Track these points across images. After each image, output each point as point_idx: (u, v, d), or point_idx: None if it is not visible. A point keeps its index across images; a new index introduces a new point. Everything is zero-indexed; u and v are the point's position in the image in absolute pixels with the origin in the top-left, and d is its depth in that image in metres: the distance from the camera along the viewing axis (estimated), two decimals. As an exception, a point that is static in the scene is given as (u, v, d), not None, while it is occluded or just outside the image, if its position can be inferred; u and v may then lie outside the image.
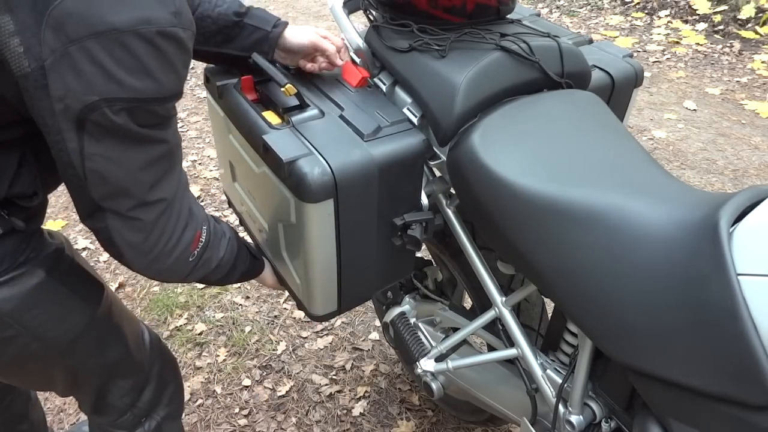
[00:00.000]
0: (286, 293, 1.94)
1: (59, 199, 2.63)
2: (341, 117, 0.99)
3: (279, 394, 1.71)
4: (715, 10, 4.31)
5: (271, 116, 0.99)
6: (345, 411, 1.66)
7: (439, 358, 1.27)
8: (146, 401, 1.09)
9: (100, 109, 0.66)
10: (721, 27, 4.23)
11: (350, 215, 0.95)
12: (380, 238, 1.03)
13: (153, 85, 0.68)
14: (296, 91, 0.97)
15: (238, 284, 2.10)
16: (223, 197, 2.61)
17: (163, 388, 1.12)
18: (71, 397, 1.67)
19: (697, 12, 4.37)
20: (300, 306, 1.13)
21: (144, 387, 1.08)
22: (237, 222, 1.42)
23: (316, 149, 0.90)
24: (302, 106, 1.00)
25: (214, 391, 1.72)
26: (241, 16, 1.01)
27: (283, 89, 0.96)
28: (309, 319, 1.95)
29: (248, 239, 1.22)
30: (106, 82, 0.65)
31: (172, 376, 1.16)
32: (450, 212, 1.11)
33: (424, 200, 1.08)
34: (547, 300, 1.26)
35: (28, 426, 1.28)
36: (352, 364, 1.80)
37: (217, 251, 0.95)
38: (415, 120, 1.06)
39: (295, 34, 1.06)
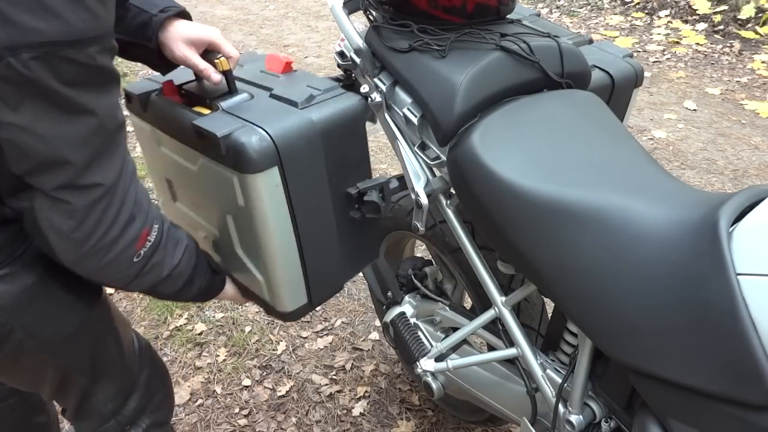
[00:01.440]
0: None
1: (59, 199, 2.62)
2: (272, 95, 0.95)
3: (279, 394, 1.71)
4: (715, 10, 4.31)
5: (200, 110, 0.95)
6: (345, 411, 1.66)
7: (439, 358, 1.27)
8: (132, 409, 1.05)
9: (4, 60, 0.56)
10: (721, 27, 4.24)
11: (300, 186, 0.89)
12: (337, 212, 0.98)
13: (57, 23, 0.58)
14: (229, 67, 0.92)
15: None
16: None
17: (150, 396, 1.08)
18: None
19: (697, 12, 4.38)
20: (268, 309, 1.04)
21: (130, 394, 1.05)
22: None
23: (250, 122, 0.86)
24: (231, 92, 0.95)
25: (214, 391, 1.72)
26: None
27: (216, 61, 0.91)
28: (309, 320, 1.95)
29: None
30: (1, 26, 0.55)
31: (160, 384, 1.12)
32: (450, 212, 1.11)
33: (424, 200, 1.09)
34: (547, 300, 1.26)
35: (45, 418, 1.26)
36: (352, 364, 1.80)
37: (170, 257, 0.84)
38: (415, 120, 1.06)
39: (193, 25, 0.94)
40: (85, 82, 0.63)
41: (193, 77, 1.00)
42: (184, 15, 0.94)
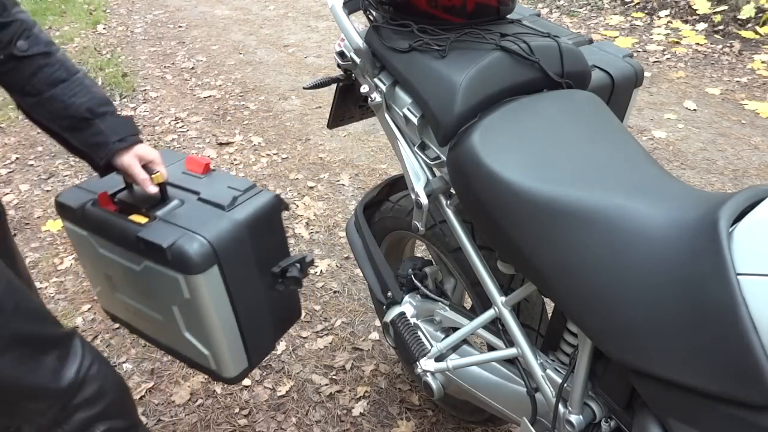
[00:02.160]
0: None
1: (59, 199, 2.63)
2: (200, 199, 1.10)
3: (279, 394, 1.71)
4: (715, 10, 4.31)
5: (138, 218, 1.08)
6: (345, 411, 1.66)
7: (439, 358, 1.27)
8: (79, 420, 1.02)
9: None
10: (721, 27, 4.24)
11: (235, 275, 1.06)
12: (265, 288, 1.15)
13: None
14: (163, 179, 1.07)
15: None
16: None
17: (100, 409, 1.05)
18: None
19: (697, 12, 4.38)
20: (214, 376, 1.19)
21: (72, 413, 1.01)
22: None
23: (188, 229, 1.02)
24: (164, 199, 1.10)
25: (214, 391, 1.72)
26: (94, 115, 1.00)
27: (154, 175, 1.07)
28: (309, 320, 1.96)
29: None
30: None
31: (110, 393, 1.07)
32: (450, 212, 1.11)
33: (424, 200, 1.09)
34: (547, 300, 1.26)
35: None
36: (352, 364, 1.80)
37: None
38: (415, 120, 1.06)
39: (141, 146, 1.07)
40: None
41: (123, 185, 1.14)
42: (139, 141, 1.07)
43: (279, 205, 1.13)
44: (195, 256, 0.98)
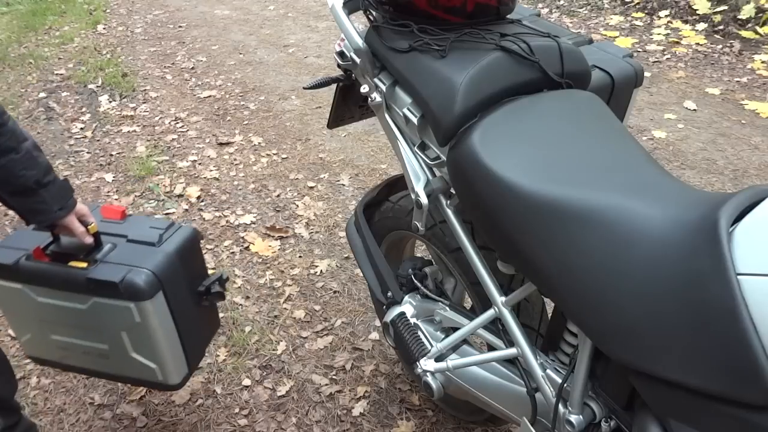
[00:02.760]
0: (284, 297, 1.93)
1: (59, 199, 2.63)
2: (129, 241, 1.30)
3: (279, 394, 1.70)
4: (715, 10, 4.31)
5: (78, 264, 1.24)
6: (345, 411, 1.66)
7: (439, 358, 1.26)
8: None
9: None
10: (721, 27, 4.24)
11: (175, 296, 1.28)
12: (195, 304, 1.38)
13: None
14: (96, 230, 1.24)
15: (239, 284, 2.10)
16: (224, 197, 2.61)
17: None
18: (72, 397, 1.66)
19: (697, 12, 4.38)
20: (159, 387, 1.39)
21: None
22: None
23: (131, 265, 1.22)
24: (98, 245, 1.27)
25: (214, 391, 1.72)
26: (40, 186, 1.08)
27: (89, 226, 1.22)
28: (309, 320, 1.96)
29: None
30: None
31: None
32: (450, 212, 1.11)
33: (424, 200, 1.09)
34: (547, 300, 1.26)
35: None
36: (352, 364, 1.80)
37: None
38: (415, 120, 1.06)
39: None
40: None
41: (49, 239, 1.28)
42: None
43: (197, 236, 1.38)
44: (144, 286, 1.20)
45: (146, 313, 1.22)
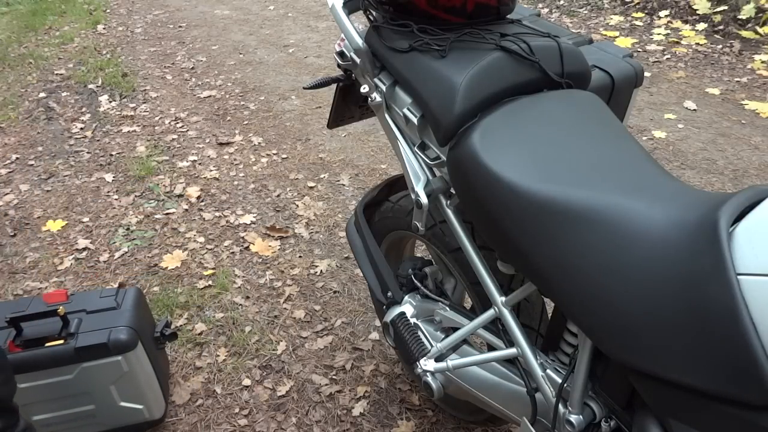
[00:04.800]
0: (284, 297, 1.93)
1: (59, 198, 2.63)
2: (89, 312, 1.48)
3: (279, 394, 1.70)
4: (715, 10, 4.31)
5: (55, 343, 1.39)
6: (345, 411, 1.66)
7: (439, 358, 1.26)
8: None
9: None
10: (721, 27, 4.24)
11: (147, 344, 1.50)
12: (158, 348, 1.59)
13: None
14: (65, 312, 1.42)
15: (239, 284, 2.10)
16: (224, 197, 2.61)
17: None
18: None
19: (697, 12, 4.38)
20: (147, 425, 1.57)
21: None
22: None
23: (109, 327, 1.42)
24: (66, 323, 1.43)
25: (214, 391, 1.72)
26: None
27: (57, 309, 1.40)
28: (309, 320, 1.96)
29: None
30: None
31: None
32: (450, 212, 1.11)
33: (424, 200, 1.08)
34: (547, 300, 1.26)
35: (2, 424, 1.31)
36: (352, 364, 1.80)
37: None
38: (415, 120, 1.06)
39: None
40: None
41: (12, 332, 1.41)
42: None
43: (142, 293, 1.60)
44: (128, 338, 1.42)
45: (132, 362, 1.44)
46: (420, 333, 1.35)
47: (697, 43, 4.13)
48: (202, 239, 2.36)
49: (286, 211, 2.53)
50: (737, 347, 0.62)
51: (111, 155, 2.98)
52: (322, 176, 2.77)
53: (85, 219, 2.50)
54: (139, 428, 1.57)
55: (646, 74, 3.70)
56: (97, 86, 3.74)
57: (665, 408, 0.73)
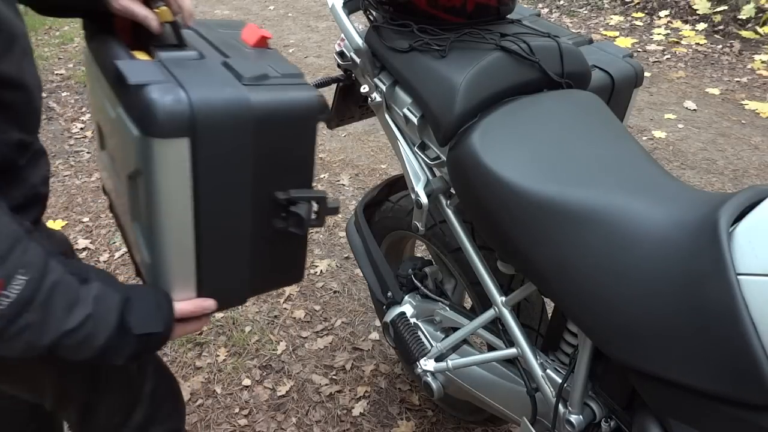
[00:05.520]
0: (284, 297, 1.91)
1: (59, 198, 2.63)
2: (224, 63, 0.81)
3: (279, 394, 1.71)
4: (715, 10, 4.31)
5: (140, 54, 0.82)
6: (345, 411, 1.66)
7: (439, 358, 1.27)
8: (138, 421, 1.00)
9: None
10: (721, 27, 4.24)
11: (213, 169, 0.74)
12: (257, 214, 0.82)
13: None
14: (172, 18, 0.80)
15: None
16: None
17: (157, 407, 1.03)
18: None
19: (697, 12, 4.38)
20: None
21: (135, 406, 0.99)
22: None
23: (177, 80, 0.72)
24: (179, 45, 0.82)
25: (214, 391, 1.72)
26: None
27: (157, 10, 0.79)
28: (309, 320, 1.95)
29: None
30: None
31: (167, 394, 1.06)
32: (450, 212, 1.11)
33: (424, 200, 1.09)
34: (547, 300, 1.26)
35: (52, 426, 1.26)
36: (352, 364, 1.80)
37: (58, 319, 0.67)
38: (415, 120, 1.06)
39: None
40: None
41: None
42: None
43: (318, 109, 0.81)
44: (161, 110, 0.68)
45: (150, 160, 0.71)
46: (420, 333, 1.35)
47: (697, 43, 4.13)
48: (202, 239, 2.36)
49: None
50: (737, 347, 0.62)
51: (111, 155, 2.98)
52: (322, 176, 2.77)
53: (85, 219, 2.50)
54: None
55: (646, 74, 3.70)
56: (97, 86, 3.75)
57: (665, 408, 0.73)
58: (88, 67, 0.93)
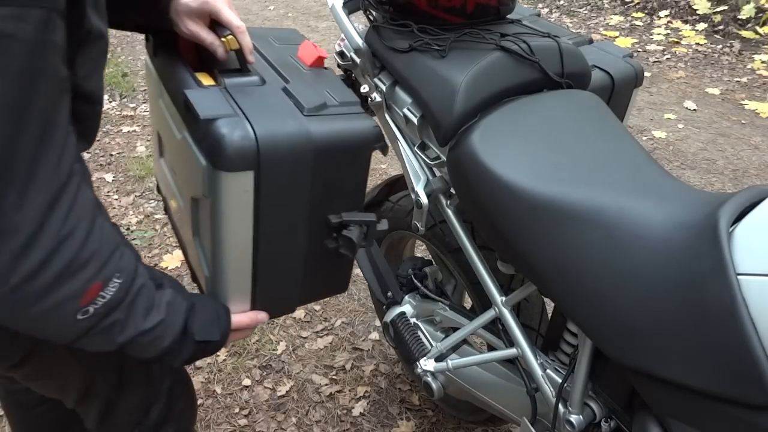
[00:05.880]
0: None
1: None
2: (284, 89, 0.85)
3: (279, 394, 1.70)
4: (715, 10, 4.31)
5: (204, 77, 0.86)
6: (345, 411, 1.66)
7: (439, 358, 1.27)
8: (154, 419, 1.01)
9: None
10: (721, 27, 4.24)
11: (274, 198, 0.80)
12: (311, 236, 0.88)
13: None
14: (238, 46, 0.84)
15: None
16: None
17: (172, 405, 1.04)
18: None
19: (697, 12, 4.38)
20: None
21: (152, 403, 1.00)
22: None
23: (243, 113, 0.76)
24: (242, 70, 0.86)
25: (214, 391, 1.72)
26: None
27: (224, 39, 0.83)
28: (309, 320, 1.95)
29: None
30: None
31: (182, 392, 1.07)
32: (450, 212, 1.11)
33: (424, 200, 1.09)
34: (547, 300, 1.26)
35: (79, 429, 1.27)
36: (352, 364, 1.80)
37: (137, 320, 0.72)
38: (415, 120, 1.06)
39: None
40: None
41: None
42: None
43: (374, 140, 0.85)
44: (229, 147, 0.73)
45: (217, 191, 0.77)
46: (420, 333, 1.35)
47: (697, 43, 4.13)
48: (202, 239, 2.36)
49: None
50: (737, 347, 0.62)
51: (111, 155, 2.98)
52: (322, 176, 2.77)
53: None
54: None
55: (646, 74, 3.70)
56: (97, 86, 3.74)
57: (665, 408, 0.73)
58: (150, 80, 0.99)
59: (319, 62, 0.96)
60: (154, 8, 0.83)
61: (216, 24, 0.85)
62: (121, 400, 0.97)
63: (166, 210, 1.12)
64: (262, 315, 0.91)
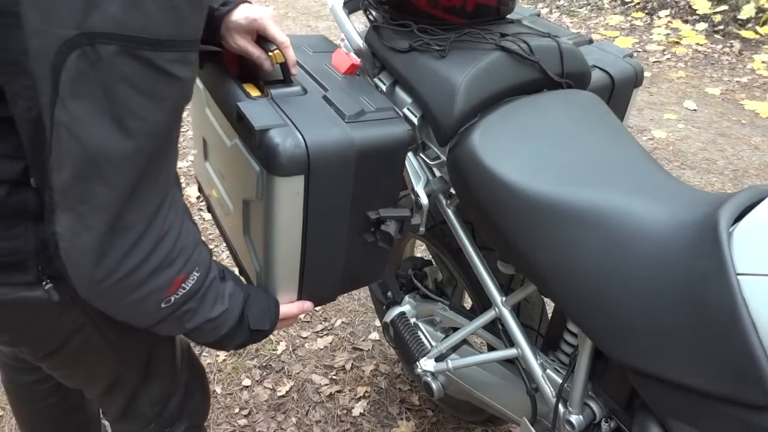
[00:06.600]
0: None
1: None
2: (324, 97, 0.93)
3: (279, 394, 1.70)
4: (715, 10, 4.31)
5: (250, 88, 0.94)
6: (345, 411, 1.66)
7: (439, 358, 1.27)
8: (172, 411, 1.03)
9: (78, 49, 0.52)
10: (721, 27, 4.24)
11: (321, 198, 0.89)
12: (351, 231, 0.97)
13: (141, 18, 0.54)
14: (283, 60, 0.91)
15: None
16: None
17: (189, 398, 1.06)
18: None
19: (697, 12, 4.38)
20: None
21: (172, 395, 1.02)
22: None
23: (292, 122, 0.85)
24: (285, 81, 0.94)
25: (214, 391, 1.72)
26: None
27: (270, 53, 0.90)
28: (309, 320, 1.95)
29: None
30: (86, 9, 0.51)
31: (198, 386, 1.09)
32: (450, 212, 1.12)
33: (424, 200, 1.09)
34: (547, 300, 1.27)
35: (84, 417, 1.27)
36: (352, 364, 1.80)
37: (206, 309, 0.79)
38: (415, 120, 1.06)
39: (243, 11, 0.90)
40: (146, 90, 0.57)
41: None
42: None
43: (408, 142, 0.92)
44: (283, 155, 0.81)
45: (271, 194, 0.86)
46: (420, 333, 1.35)
47: (697, 43, 4.13)
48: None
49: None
50: (737, 347, 0.62)
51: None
52: (322, 176, 2.77)
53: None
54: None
55: (646, 74, 3.70)
56: (97, 86, 3.74)
57: (665, 408, 0.73)
58: (196, 90, 1.06)
59: (352, 69, 1.03)
60: (207, 25, 0.84)
61: (261, 39, 0.92)
62: (145, 391, 0.98)
63: (209, 209, 1.20)
64: (308, 304, 0.99)
